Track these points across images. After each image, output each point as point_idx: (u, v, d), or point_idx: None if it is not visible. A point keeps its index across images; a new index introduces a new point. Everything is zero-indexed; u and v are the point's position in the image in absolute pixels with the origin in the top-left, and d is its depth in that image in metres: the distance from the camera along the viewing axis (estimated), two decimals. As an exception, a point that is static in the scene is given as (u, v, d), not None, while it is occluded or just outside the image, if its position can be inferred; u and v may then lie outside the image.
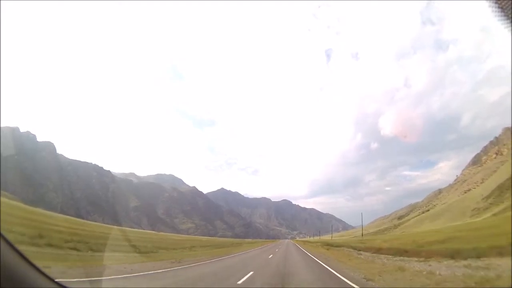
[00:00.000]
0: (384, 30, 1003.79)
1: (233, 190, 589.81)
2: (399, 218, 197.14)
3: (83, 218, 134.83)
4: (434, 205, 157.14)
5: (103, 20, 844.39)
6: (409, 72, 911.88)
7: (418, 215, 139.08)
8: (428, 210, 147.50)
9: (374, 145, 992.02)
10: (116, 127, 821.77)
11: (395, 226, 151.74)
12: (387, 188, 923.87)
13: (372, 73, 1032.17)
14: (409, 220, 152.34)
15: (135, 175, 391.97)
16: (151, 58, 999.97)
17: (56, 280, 2.60)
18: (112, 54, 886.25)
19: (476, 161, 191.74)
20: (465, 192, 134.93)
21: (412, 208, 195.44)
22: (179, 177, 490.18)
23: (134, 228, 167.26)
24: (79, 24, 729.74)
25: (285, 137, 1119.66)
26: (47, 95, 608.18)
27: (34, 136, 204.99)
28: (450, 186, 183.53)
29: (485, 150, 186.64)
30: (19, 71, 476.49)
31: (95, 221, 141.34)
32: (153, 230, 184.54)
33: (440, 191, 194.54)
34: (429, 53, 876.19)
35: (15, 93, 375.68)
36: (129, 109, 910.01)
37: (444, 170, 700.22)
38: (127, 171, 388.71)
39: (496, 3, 2.43)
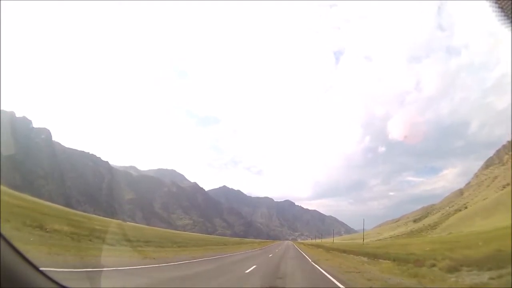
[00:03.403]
0: (396, 32, 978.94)
1: (236, 188, 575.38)
2: (415, 221, 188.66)
3: (73, 208, 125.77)
4: (466, 204, 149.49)
5: (107, 16, 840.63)
6: (421, 75, 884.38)
7: (454, 213, 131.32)
8: (466, 208, 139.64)
9: (382, 149, 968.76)
10: (120, 120, 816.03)
11: (432, 227, 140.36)
12: (391, 193, 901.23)
13: (383, 76, 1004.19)
14: (442, 222, 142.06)
15: (136, 168, 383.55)
16: (155, 53, 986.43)
17: (57, 280, 2.54)
18: (115, 47, 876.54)
19: (489, 164, 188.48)
20: (504, 187, 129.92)
21: (427, 210, 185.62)
22: (181, 172, 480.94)
23: (126, 221, 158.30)
24: (82, 19, 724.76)
25: (290, 137, 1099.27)
26: (53, 86, 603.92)
27: (30, 121, 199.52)
28: (477, 184, 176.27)
29: (498, 154, 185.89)
30: (21, 58, 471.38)
31: (86, 212, 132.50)
32: (148, 225, 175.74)
33: (461, 191, 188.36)
34: (441, 57, 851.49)
35: (14, 78, 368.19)
36: (133, 104, 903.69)
37: (449, 177, 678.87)
38: (128, 164, 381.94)
39: (496, 3, 2.40)
